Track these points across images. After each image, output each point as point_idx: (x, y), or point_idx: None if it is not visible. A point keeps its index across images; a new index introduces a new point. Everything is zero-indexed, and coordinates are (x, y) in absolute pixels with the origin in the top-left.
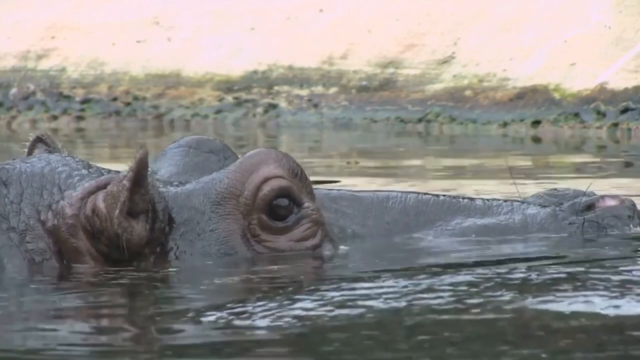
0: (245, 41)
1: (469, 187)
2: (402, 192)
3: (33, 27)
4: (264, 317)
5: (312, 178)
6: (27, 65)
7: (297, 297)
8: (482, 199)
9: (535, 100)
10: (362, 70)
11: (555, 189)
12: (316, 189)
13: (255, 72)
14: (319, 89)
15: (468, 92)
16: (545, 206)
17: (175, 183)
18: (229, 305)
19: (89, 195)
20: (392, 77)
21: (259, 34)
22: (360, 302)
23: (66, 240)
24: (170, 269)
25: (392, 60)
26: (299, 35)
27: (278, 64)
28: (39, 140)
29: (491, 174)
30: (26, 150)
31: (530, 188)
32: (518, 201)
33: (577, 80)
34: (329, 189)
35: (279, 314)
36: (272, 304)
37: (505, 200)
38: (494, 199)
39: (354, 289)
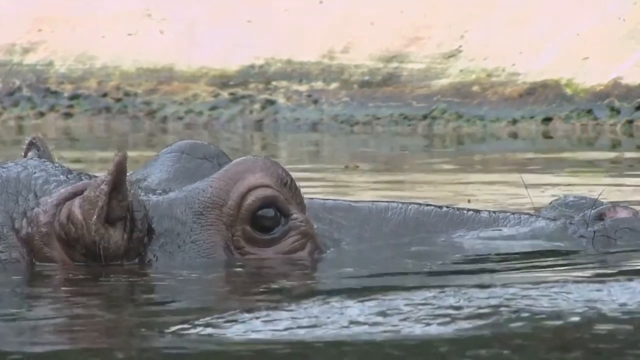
0: (242, 34)
1: (477, 196)
2: (403, 202)
3: (19, 19)
4: (234, 331)
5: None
6: (12, 59)
7: (272, 312)
8: (488, 210)
9: (546, 96)
10: (364, 64)
11: (569, 198)
12: (311, 198)
13: (252, 66)
14: (319, 85)
15: (475, 88)
16: (555, 219)
17: (158, 191)
18: (200, 318)
19: (64, 202)
20: (396, 71)
21: (256, 27)
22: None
23: (39, 250)
24: (146, 280)
25: (395, 54)
26: (298, 28)
27: (276, 58)
28: (32, 143)
29: (501, 182)
30: (22, 153)
31: (543, 197)
32: (527, 214)
33: (590, 75)
34: (324, 199)
35: (249, 330)
36: (245, 316)
37: (513, 213)
38: (501, 211)
39: (296, 310)
